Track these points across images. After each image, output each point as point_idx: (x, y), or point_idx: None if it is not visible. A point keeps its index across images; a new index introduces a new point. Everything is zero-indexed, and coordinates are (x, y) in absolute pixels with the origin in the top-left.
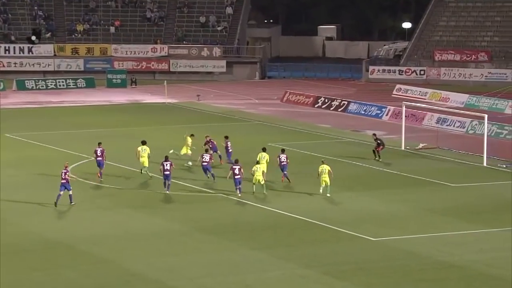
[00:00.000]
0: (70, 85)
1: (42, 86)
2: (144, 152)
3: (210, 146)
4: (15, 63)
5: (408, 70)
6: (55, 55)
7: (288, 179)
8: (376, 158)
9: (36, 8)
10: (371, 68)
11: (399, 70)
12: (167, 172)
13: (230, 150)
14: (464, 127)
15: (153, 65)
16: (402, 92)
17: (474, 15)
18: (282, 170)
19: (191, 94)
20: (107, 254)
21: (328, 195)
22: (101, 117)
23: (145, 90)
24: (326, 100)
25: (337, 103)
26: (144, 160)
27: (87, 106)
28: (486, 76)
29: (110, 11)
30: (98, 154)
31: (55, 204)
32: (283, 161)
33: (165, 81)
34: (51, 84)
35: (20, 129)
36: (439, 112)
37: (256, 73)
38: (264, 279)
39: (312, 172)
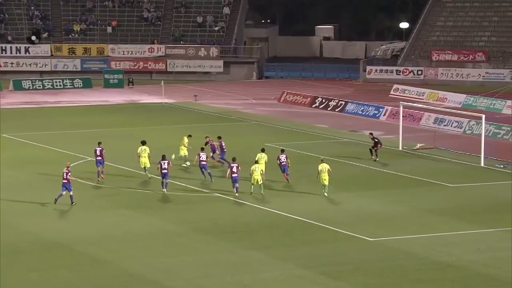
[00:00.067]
0: (67, 85)
1: (39, 86)
2: (144, 152)
3: (210, 146)
4: (11, 63)
5: (405, 70)
6: (52, 55)
7: (287, 179)
8: (373, 157)
9: (33, 8)
10: (368, 68)
11: (397, 70)
12: (165, 171)
13: (225, 150)
14: (461, 127)
15: (150, 65)
16: (399, 92)
17: (471, 15)
18: (284, 171)
19: (188, 94)
20: (105, 255)
21: (325, 194)
22: (98, 117)
23: (142, 90)
24: (324, 100)
25: (335, 103)
26: (145, 160)
27: (84, 106)
28: (483, 76)
29: (107, 11)
30: (97, 154)
31: (55, 201)
32: (283, 161)
33: (162, 81)
34: (48, 84)
35: (17, 129)
36: (436, 112)
37: (254, 73)
38: (262, 279)
39: (310, 172)
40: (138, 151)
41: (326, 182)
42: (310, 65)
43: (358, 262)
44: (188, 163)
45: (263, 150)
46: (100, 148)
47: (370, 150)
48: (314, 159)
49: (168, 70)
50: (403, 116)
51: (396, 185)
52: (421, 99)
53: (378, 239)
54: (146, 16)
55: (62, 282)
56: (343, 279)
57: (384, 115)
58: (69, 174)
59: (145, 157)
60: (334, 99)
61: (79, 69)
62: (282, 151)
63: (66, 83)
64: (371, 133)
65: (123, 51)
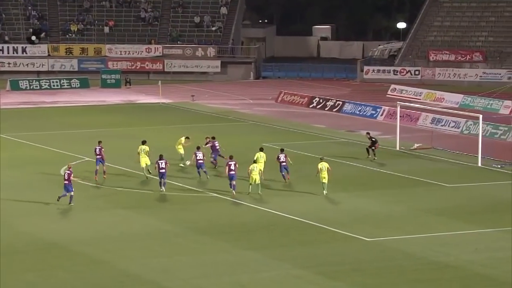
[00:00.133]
0: (64, 85)
1: (36, 86)
2: (144, 151)
3: (210, 147)
4: (9, 63)
5: (402, 70)
6: (49, 55)
7: (284, 178)
8: (369, 156)
9: (30, 8)
10: (365, 68)
11: (394, 70)
12: (163, 171)
13: (218, 150)
14: (458, 127)
15: (147, 65)
16: (396, 92)
17: (468, 15)
18: (282, 170)
19: (185, 94)
20: (101, 255)
21: (325, 193)
22: (95, 117)
23: (140, 90)
24: (321, 100)
25: (332, 103)
26: (145, 159)
27: (81, 106)
28: (480, 76)
29: (104, 11)
30: (97, 152)
31: (58, 198)
32: (282, 161)
33: (160, 81)
34: (45, 84)
35: (14, 129)
36: (433, 112)
37: (251, 73)
38: (259, 279)
39: (307, 172)
40: (138, 150)
41: (326, 181)
42: (308, 65)
43: (355, 262)
44: (188, 162)
45: (261, 149)
46: (100, 147)
47: (367, 149)
48: (311, 159)
49: (166, 70)
50: (400, 116)
51: (394, 185)
52: (418, 99)
53: (375, 239)
54: (143, 16)
55: (58, 282)
56: (340, 279)
57: (382, 115)
58: (72, 175)
59: (144, 156)
60: (331, 99)
61: (76, 69)
62: (282, 150)
63: (63, 83)
64: (368, 133)
65: (121, 51)
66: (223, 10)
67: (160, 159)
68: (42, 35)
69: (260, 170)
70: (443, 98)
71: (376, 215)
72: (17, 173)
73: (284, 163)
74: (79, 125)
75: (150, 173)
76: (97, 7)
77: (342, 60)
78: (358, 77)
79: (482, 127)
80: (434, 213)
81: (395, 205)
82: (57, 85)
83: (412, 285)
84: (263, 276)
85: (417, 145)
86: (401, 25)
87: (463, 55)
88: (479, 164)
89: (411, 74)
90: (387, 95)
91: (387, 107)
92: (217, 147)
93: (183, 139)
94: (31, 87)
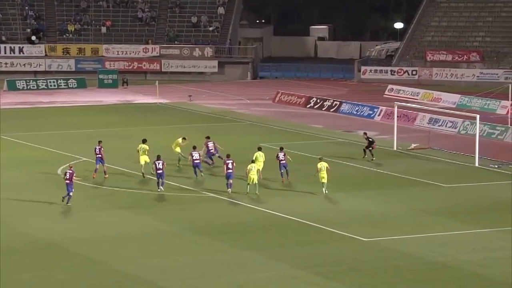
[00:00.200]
0: (61, 86)
1: (33, 86)
2: (142, 150)
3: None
4: (6, 63)
5: (400, 71)
6: (46, 55)
7: (282, 177)
8: (365, 157)
9: (27, 8)
10: (363, 68)
11: (391, 71)
12: (160, 171)
13: (211, 150)
14: (456, 127)
15: (144, 65)
16: (394, 93)
17: (465, 15)
18: (284, 168)
19: (182, 94)
20: (99, 255)
21: (325, 192)
22: (93, 117)
23: (137, 90)
24: (318, 101)
25: (329, 104)
26: (145, 158)
27: (78, 106)
28: (477, 76)
29: (101, 11)
30: (97, 152)
31: (62, 199)
32: (281, 159)
33: (157, 81)
34: (42, 85)
35: (11, 129)
36: (431, 112)
37: (248, 73)
38: (256, 279)
39: (305, 172)
40: (138, 148)
41: (325, 180)
42: (305, 65)
43: (352, 262)
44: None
45: (260, 149)
46: (99, 147)
47: (364, 150)
48: (309, 159)
49: (163, 70)
50: (397, 116)
51: (391, 185)
52: (415, 99)
53: (372, 239)
54: (140, 16)
55: (56, 282)
56: (337, 280)
57: (379, 115)
58: (74, 174)
59: (143, 154)
60: (328, 99)
61: (73, 69)
62: (281, 149)
63: (60, 83)
64: (365, 133)
65: (118, 51)
66: (220, 10)
67: (157, 160)
68: (40, 34)
69: (258, 169)
70: (440, 98)
71: (373, 215)
72: (14, 173)
73: (283, 161)
74: (76, 125)
75: (151, 172)
76: (94, 7)
77: (340, 60)
78: (356, 77)
79: (479, 127)
80: (431, 213)
81: (392, 205)
82: (54, 85)
83: (409, 285)
84: (261, 276)
85: (414, 145)
86: (399, 25)
87: (460, 55)
88: (476, 164)
89: (408, 74)
90: (384, 95)
91: (385, 107)
92: (210, 148)
93: (180, 140)
94: (28, 87)
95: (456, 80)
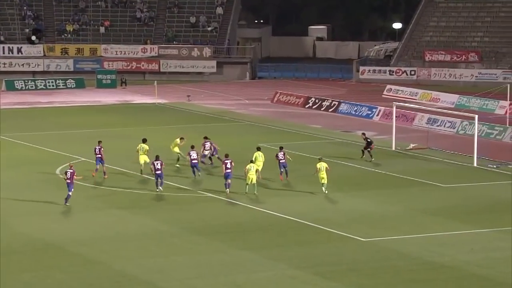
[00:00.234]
0: (59, 86)
1: (32, 86)
2: (143, 150)
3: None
4: (4, 64)
5: (398, 71)
6: (44, 55)
7: (281, 175)
8: (363, 157)
9: (25, 8)
10: (361, 68)
11: (390, 71)
12: (159, 172)
13: (207, 150)
14: (454, 128)
15: (143, 65)
16: (392, 93)
17: (464, 15)
18: (283, 167)
19: (181, 94)
20: (97, 256)
21: (325, 192)
22: (91, 117)
23: (135, 90)
24: (317, 101)
25: (328, 104)
26: (144, 157)
27: (77, 106)
28: (476, 77)
29: (100, 11)
30: (96, 152)
31: (66, 203)
32: (281, 159)
33: (155, 81)
34: (40, 85)
35: (10, 129)
36: (429, 112)
37: (247, 73)
38: (254, 279)
39: (304, 172)
40: (137, 148)
41: (324, 181)
42: (303, 66)
43: (351, 263)
44: (207, 152)
45: (259, 149)
46: (99, 147)
47: (362, 151)
48: (307, 159)
49: (161, 70)
50: (396, 117)
51: (389, 185)
52: (414, 99)
53: (371, 239)
54: (139, 16)
55: (55, 283)
56: (336, 280)
57: (377, 115)
58: (75, 174)
59: (143, 154)
60: (327, 100)
61: (71, 69)
62: (281, 148)
63: (58, 83)
64: (363, 133)
65: (116, 51)
66: (219, 10)
67: (156, 160)
68: (40, 34)
69: (257, 169)
70: (439, 98)
71: (372, 215)
72: (13, 173)
73: (282, 161)
74: (75, 125)
75: (150, 173)
76: (93, 7)
77: (338, 60)
78: (354, 77)
79: (478, 127)
80: (429, 213)
81: (391, 205)
82: (53, 85)
83: (408, 285)
84: (259, 276)
85: (413, 145)
86: (397, 25)
87: (458, 55)
88: (475, 164)
89: (407, 74)
90: (383, 95)
91: (383, 107)
92: (206, 148)
93: (178, 140)
94: (27, 87)
95: (454, 80)
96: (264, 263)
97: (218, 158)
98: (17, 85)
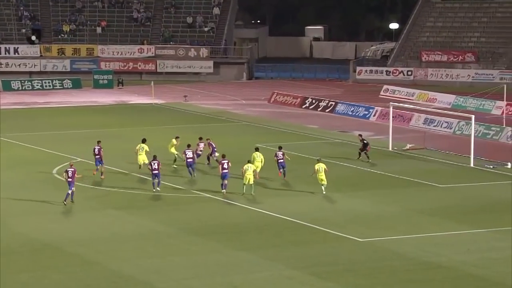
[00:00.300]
0: (56, 86)
1: (28, 87)
2: (142, 150)
3: (209, 147)
4: (0, 64)
5: (395, 71)
6: (41, 55)
7: (279, 172)
8: (360, 158)
9: (22, 8)
10: (358, 68)
11: (386, 71)
12: (156, 171)
13: (200, 152)
14: (451, 128)
15: (140, 65)
16: (389, 93)
17: (461, 15)
18: (282, 167)
19: (178, 94)
20: (94, 256)
21: (324, 192)
22: (88, 118)
23: (132, 90)
24: (314, 101)
25: (325, 104)
26: (143, 158)
27: (73, 107)
28: (473, 77)
29: (97, 11)
30: (96, 152)
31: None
32: (280, 158)
33: (152, 81)
34: (37, 85)
35: (6, 130)
36: (426, 112)
37: (244, 73)
38: (251, 280)
39: (301, 173)
40: (137, 148)
41: (324, 182)
42: (300, 66)
43: (347, 263)
44: (217, 154)
45: (257, 149)
46: (99, 147)
47: (359, 152)
48: (304, 159)
49: (158, 70)
50: (393, 117)
51: (386, 185)
52: (411, 99)
53: (368, 239)
54: (135, 16)
55: (52, 283)
56: (332, 280)
57: (374, 115)
58: (76, 172)
59: (141, 154)
60: (324, 100)
61: (68, 69)
62: (280, 148)
63: (55, 83)
64: (360, 135)
65: (113, 52)
66: (216, 10)
67: (153, 160)
68: (38, 35)
69: (255, 170)
70: (436, 99)
71: (368, 215)
72: (10, 173)
73: (281, 160)
74: (71, 125)
75: (148, 172)
76: (89, 8)
77: (335, 61)
78: (351, 77)
79: (475, 128)
80: (426, 213)
81: (387, 206)
82: (49, 86)
83: (404, 285)
84: (256, 276)
85: (410, 145)
86: (394, 25)
87: (455, 56)
88: (472, 165)
89: (404, 75)
90: (380, 96)
91: (380, 108)
92: (200, 149)
93: (174, 140)
94: (23, 88)
95: (451, 80)
96: (261, 264)
97: (216, 160)
98: (13, 86)
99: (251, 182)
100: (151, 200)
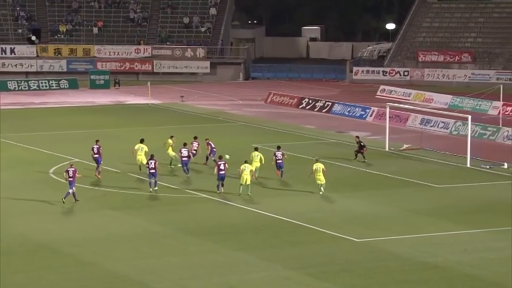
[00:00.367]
0: (53, 86)
1: (25, 87)
2: (141, 150)
3: (208, 148)
4: None
5: (392, 71)
6: (37, 56)
7: (277, 171)
8: (356, 158)
9: (18, 8)
10: (355, 69)
11: (383, 71)
12: (153, 171)
13: (194, 152)
14: (447, 128)
15: (136, 66)
16: (386, 93)
17: (457, 16)
18: (280, 167)
19: (174, 95)
20: (90, 257)
21: (322, 192)
22: (84, 118)
23: (129, 91)
24: (310, 101)
25: (321, 104)
26: (142, 158)
27: (70, 107)
28: (469, 77)
29: (93, 11)
30: (95, 152)
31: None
32: (278, 158)
33: (149, 82)
34: (33, 85)
35: (3, 130)
36: (423, 113)
37: (240, 74)
38: (248, 280)
39: (298, 173)
40: (136, 148)
41: (322, 182)
42: (297, 66)
43: (344, 263)
44: (227, 156)
45: (256, 149)
46: (97, 146)
47: (355, 153)
48: (301, 160)
49: (155, 71)
50: (389, 117)
51: (383, 186)
52: (407, 100)
53: (364, 240)
54: (132, 16)
55: (47, 284)
56: (329, 280)
57: (371, 116)
58: (76, 172)
59: (140, 154)
60: (320, 100)
61: (65, 70)
62: (278, 147)
63: (52, 84)
64: (357, 137)
65: (109, 52)
66: (212, 11)
67: (150, 159)
68: (37, 35)
69: (252, 170)
70: (432, 99)
71: (365, 215)
72: (7, 174)
73: (279, 161)
74: (68, 126)
75: (140, 170)
76: (86, 8)
77: (331, 61)
78: (347, 78)
79: (471, 128)
80: (423, 213)
81: (384, 206)
82: (46, 86)
83: (401, 285)
84: (253, 277)
85: (406, 146)
86: (390, 26)
87: (452, 56)
88: (468, 165)
89: (400, 75)
90: (376, 96)
91: (376, 108)
92: (194, 148)
93: (170, 140)
94: (20, 88)
95: (447, 80)
96: (258, 264)
97: (214, 160)
98: (10, 86)
99: (248, 182)
100: (147, 201)
